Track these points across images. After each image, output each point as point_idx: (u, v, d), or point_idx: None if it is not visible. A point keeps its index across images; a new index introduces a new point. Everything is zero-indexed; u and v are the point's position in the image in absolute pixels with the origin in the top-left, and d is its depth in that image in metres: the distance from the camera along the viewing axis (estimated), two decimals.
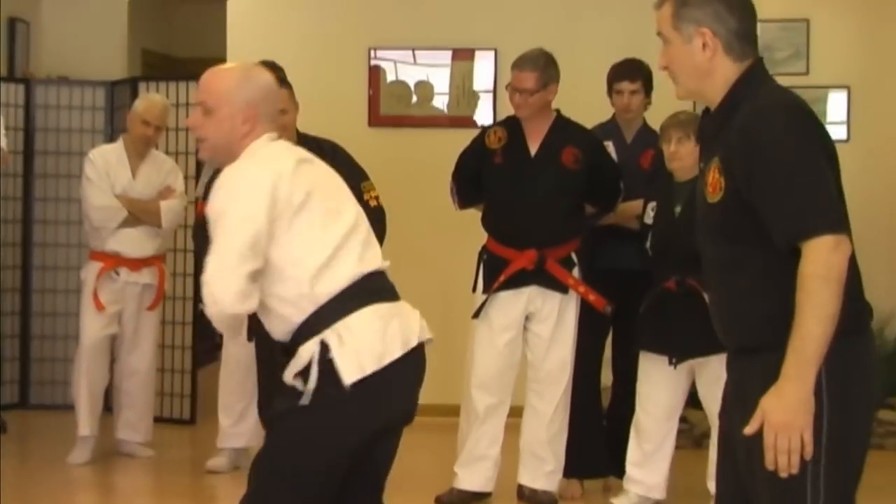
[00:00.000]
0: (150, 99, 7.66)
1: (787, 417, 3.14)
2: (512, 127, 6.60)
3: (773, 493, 3.31)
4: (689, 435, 7.55)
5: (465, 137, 6.98)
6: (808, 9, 8.36)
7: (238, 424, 7.26)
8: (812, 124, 3.30)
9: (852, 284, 3.22)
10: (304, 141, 6.43)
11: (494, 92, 8.68)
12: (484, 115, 8.71)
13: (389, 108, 8.84)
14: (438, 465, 6.77)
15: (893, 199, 8.17)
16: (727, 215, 3.32)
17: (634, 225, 6.76)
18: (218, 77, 3.95)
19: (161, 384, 8.41)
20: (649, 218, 6.34)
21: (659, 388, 6.21)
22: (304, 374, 3.76)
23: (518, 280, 6.44)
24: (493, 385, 6.53)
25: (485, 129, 6.84)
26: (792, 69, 8.09)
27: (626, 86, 6.92)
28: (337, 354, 3.76)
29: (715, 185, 3.31)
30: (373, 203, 6.48)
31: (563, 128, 6.57)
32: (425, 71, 8.86)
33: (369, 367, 3.77)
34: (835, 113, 8.24)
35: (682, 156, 6.02)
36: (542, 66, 6.46)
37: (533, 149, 6.53)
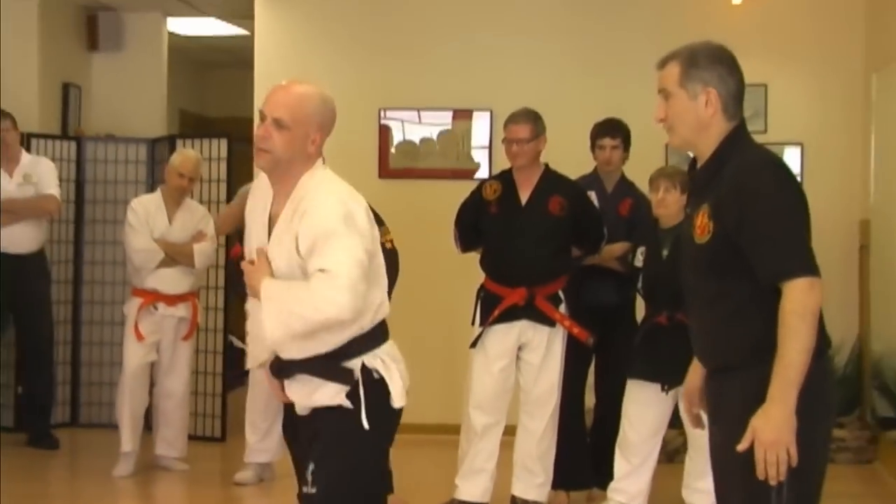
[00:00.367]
0: (185, 154, 7.68)
1: (774, 435, 3.22)
2: (505, 179, 6.61)
3: (742, 499, 3.37)
4: (664, 451, 7.49)
5: (464, 188, 6.98)
6: (766, 75, 8.38)
7: (263, 441, 7.25)
8: (793, 181, 3.44)
9: None
10: None
11: (490, 147, 8.68)
12: (481, 168, 8.72)
13: (397, 161, 8.85)
14: (441, 477, 6.74)
15: (841, 242, 8.18)
16: (714, 254, 3.39)
17: (615, 265, 6.77)
18: (299, 98, 3.80)
19: (195, 406, 8.39)
20: (639, 261, 6.33)
21: (647, 409, 6.18)
22: (351, 394, 3.71)
23: (511, 315, 6.43)
24: (490, 406, 6.51)
25: (482, 182, 6.84)
26: (752, 127, 7.87)
27: (607, 142, 6.94)
28: (387, 377, 3.75)
29: (703, 228, 3.39)
30: (388, 246, 6.48)
31: (550, 179, 6.57)
32: (429, 129, 8.87)
33: (404, 398, 3.81)
34: (790, 166, 8.25)
35: (667, 203, 6.03)
36: (533, 120, 6.49)
37: (524, 198, 6.52)
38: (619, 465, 6.35)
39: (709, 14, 8.30)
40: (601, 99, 8.13)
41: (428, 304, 7.58)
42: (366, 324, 3.72)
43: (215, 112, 12.18)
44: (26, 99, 9.00)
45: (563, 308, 6.47)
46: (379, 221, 6.50)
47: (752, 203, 3.31)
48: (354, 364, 3.72)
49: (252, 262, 3.78)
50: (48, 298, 8.59)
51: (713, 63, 3.47)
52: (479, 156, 8.79)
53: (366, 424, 3.68)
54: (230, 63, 11.47)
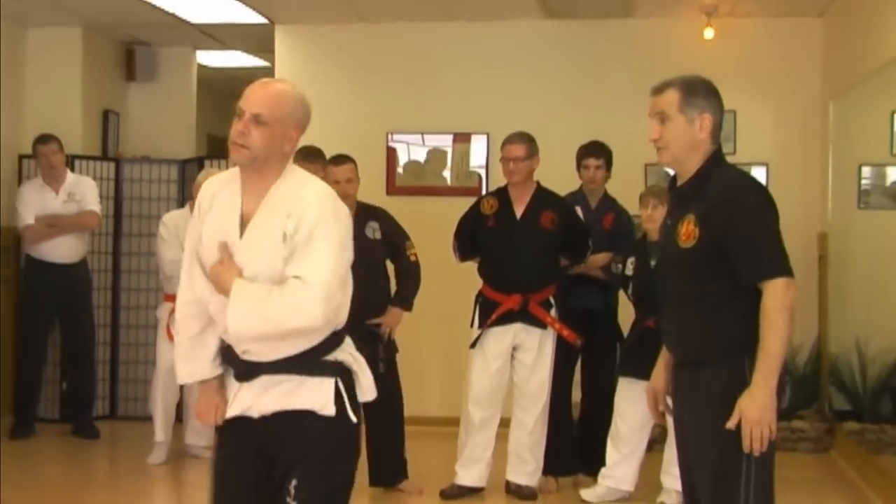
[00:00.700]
0: (210, 172, 7.65)
1: (759, 414, 3.35)
2: (501, 196, 6.60)
3: (714, 472, 3.49)
4: None
5: (463, 204, 6.97)
6: (735, 103, 8.35)
7: None
8: (769, 196, 3.57)
9: None
10: (361, 206, 6.47)
11: (487, 167, 8.69)
12: (478, 185, 8.71)
13: (403, 180, 8.85)
14: (442, 465, 6.72)
15: (802, 253, 8.15)
16: (698, 257, 3.48)
17: (598, 274, 6.77)
18: (279, 95, 3.41)
19: None
20: (630, 270, 6.35)
21: (636, 404, 6.16)
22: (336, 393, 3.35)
23: (506, 318, 6.42)
24: (487, 401, 6.50)
25: (480, 198, 6.84)
26: (724, 149, 8.05)
27: (591, 162, 6.95)
28: (358, 370, 3.43)
29: (689, 234, 3.49)
30: (412, 258, 6.51)
31: (542, 196, 6.57)
32: (432, 151, 8.87)
33: (374, 391, 3.50)
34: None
35: (655, 219, 6.02)
36: (528, 141, 6.49)
37: (518, 213, 6.52)
38: (611, 453, 6.37)
39: (682, 48, 8.30)
40: (585, 124, 8.12)
41: (431, 309, 7.56)
42: (339, 322, 3.39)
43: None
44: (71, 124, 9.01)
45: (553, 312, 6.47)
46: (405, 236, 6.56)
47: (739, 214, 3.45)
48: (327, 359, 3.39)
49: (220, 263, 3.32)
50: (90, 304, 8.58)
51: (709, 94, 3.60)
52: (477, 175, 8.78)
53: (353, 417, 3.35)
54: None
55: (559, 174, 7.07)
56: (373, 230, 6.46)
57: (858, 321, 7.54)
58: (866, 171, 7.64)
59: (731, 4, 8.07)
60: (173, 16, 8.63)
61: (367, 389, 3.44)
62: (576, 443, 6.84)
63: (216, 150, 11.07)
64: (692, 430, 3.57)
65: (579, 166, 6.99)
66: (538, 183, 6.59)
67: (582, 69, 8.69)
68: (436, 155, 8.88)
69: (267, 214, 3.30)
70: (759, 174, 8.34)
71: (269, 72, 9.57)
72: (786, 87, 8.53)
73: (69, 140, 8.60)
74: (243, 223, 3.34)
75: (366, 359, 6.11)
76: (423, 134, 8.89)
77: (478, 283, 6.60)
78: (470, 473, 6.52)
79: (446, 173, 8.85)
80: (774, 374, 3.37)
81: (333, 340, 3.37)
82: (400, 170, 8.86)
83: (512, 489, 6.54)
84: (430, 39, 8.86)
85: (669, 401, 3.83)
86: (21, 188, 8.41)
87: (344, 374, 3.37)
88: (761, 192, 3.58)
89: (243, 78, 13.13)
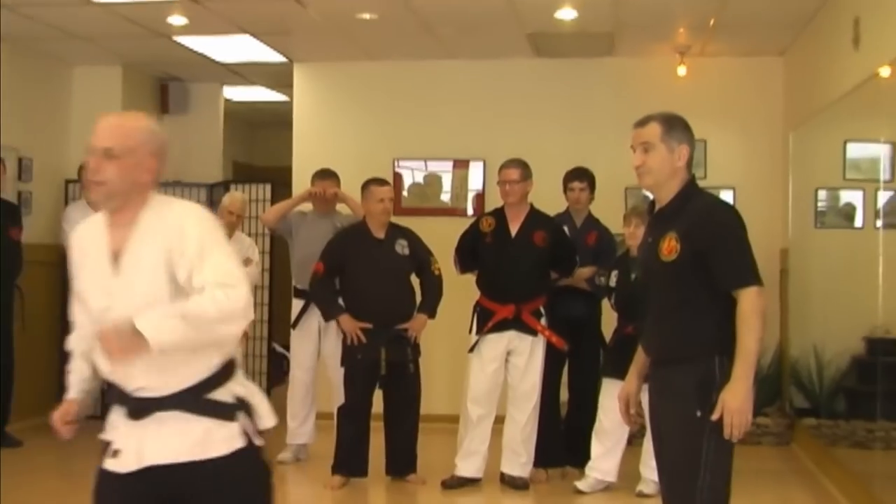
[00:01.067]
0: (233, 195, 7.66)
1: (738, 404, 3.42)
2: (498, 216, 6.59)
3: (679, 453, 3.54)
4: None
5: (462, 223, 6.99)
6: (706, 132, 8.36)
7: (301, 427, 7.22)
8: (740, 216, 3.68)
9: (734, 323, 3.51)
10: (392, 225, 6.58)
11: (483, 190, 8.68)
12: (475, 206, 8.70)
13: (408, 202, 8.84)
14: (444, 458, 6.70)
15: (766, 267, 8.09)
16: (679, 269, 3.54)
17: (584, 285, 6.76)
18: (126, 127, 2.94)
19: None
20: (613, 282, 6.34)
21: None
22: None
23: (501, 326, 6.41)
24: (483, 400, 6.48)
25: (479, 217, 6.84)
26: (695, 174, 8.09)
27: (577, 185, 6.94)
28: (253, 400, 2.98)
29: (671, 249, 3.55)
30: (436, 272, 6.55)
31: (535, 216, 6.56)
32: (434, 175, 8.87)
33: (273, 416, 3.05)
34: None
35: (637, 236, 6.01)
36: (522, 166, 6.50)
37: (513, 231, 6.50)
38: (595, 448, 6.35)
39: (658, 84, 8.31)
40: (572, 151, 8.12)
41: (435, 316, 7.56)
42: (230, 349, 2.96)
43: (261, 162, 12.17)
44: None
45: (543, 321, 6.46)
46: (429, 252, 6.59)
47: (717, 231, 3.54)
48: (224, 394, 2.92)
49: (106, 332, 2.77)
50: None
51: (685, 128, 3.70)
52: (474, 197, 8.78)
53: (258, 443, 2.96)
54: (274, 123, 11.47)
55: (548, 196, 7.07)
56: (402, 247, 6.51)
57: (816, 328, 7.53)
58: (822, 194, 7.64)
59: (702, 45, 8.08)
60: (203, 56, 8.65)
61: (265, 417, 3.00)
62: (563, 438, 6.82)
63: (241, 175, 11.10)
64: (666, 422, 3.61)
65: (566, 189, 6.99)
66: (531, 205, 6.59)
67: (569, 102, 8.70)
68: (437, 179, 8.88)
69: (139, 245, 2.88)
70: (727, 196, 8.35)
71: (288, 105, 9.59)
72: (751, 118, 8.54)
73: None
74: (116, 259, 2.90)
75: (396, 360, 6.00)
76: (425, 160, 8.90)
77: (476, 293, 6.59)
78: (468, 465, 6.49)
79: (447, 195, 8.85)
80: (751, 369, 3.44)
81: (229, 369, 2.95)
82: (405, 192, 8.86)
83: (506, 479, 6.51)
84: (433, 76, 8.87)
85: (644, 401, 3.89)
86: (67, 209, 8.40)
87: (246, 409, 2.94)
88: (734, 213, 3.68)
89: (266, 111, 13.18)
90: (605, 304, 6.66)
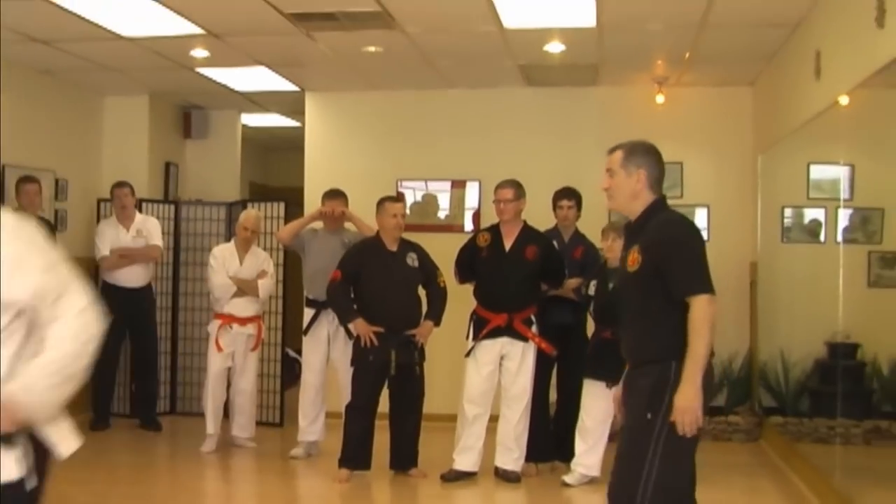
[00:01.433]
0: (248, 213, 7.67)
1: (687, 403, 3.44)
2: (494, 232, 6.61)
3: (629, 448, 3.59)
4: None
5: (460, 238, 6.99)
6: (682, 155, 8.43)
7: (312, 425, 7.22)
8: (697, 231, 3.71)
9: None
10: (403, 240, 6.59)
11: (479, 208, 8.70)
12: (472, 224, 8.71)
13: (410, 219, 8.77)
14: (443, 453, 6.71)
15: (737, 278, 8.18)
16: (640, 279, 3.57)
17: (571, 295, 6.77)
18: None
19: (260, 399, 8.34)
20: (592, 291, 6.35)
21: (598, 401, 6.19)
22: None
23: (495, 333, 6.43)
24: (479, 400, 6.49)
25: (476, 233, 6.85)
26: (672, 194, 7.95)
27: (565, 203, 6.96)
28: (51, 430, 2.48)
29: (634, 261, 3.59)
30: (441, 284, 6.56)
31: (527, 232, 6.57)
32: (434, 195, 8.88)
33: (75, 439, 2.57)
34: (700, 222, 8.25)
35: (614, 249, 6.05)
36: (516, 185, 6.52)
37: (507, 246, 6.52)
38: (579, 445, 6.35)
39: (639, 111, 8.34)
40: (560, 172, 8.14)
41: None
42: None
43: (276, 182, 12.20)
44: (139, 173, 9.04)
45: (534, 328, 6.47)
46: (435, 266, 6.60)
47: (672, 244, 3.56)
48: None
49: None
50: (154, 320, 8.59)
51: (646, 154, 3.71)
52: (471, 215, 8.79)
53: (34, 482, 2.40)
54: (287, 147, 11.49)
55: (538, 213, 7.09)
56: (412, 259, 6.54)
57: (782, 334, 7.54)
58: (788, 211, 7.65)
59: (679, 75, 8.11)
60: (223, 85, 8.67)
61: (62, 442, 2.51)
62: (552, 435, 6.82)
63: (257, 194, 11.12)
64: (627, 418, 3.66)
65: (555, 207, 7.00)
66: (525, 222, 6.60)
67: (557, 127, 8.72)
68: (437, 198, 8.89)
69: None
70: (701, 214, 8.39)
71: (300, 130, 9.61)
72: (723, 142, 8.56)
73: (137, 186, 8.62)
74: None
75: (404, 362, 5.99)
76: (426, 181, 8.90)
77: (472, 303, 6.60)
78: (465, 460, 6.50)
79: (445, 213, 8.85)
80: (699, 372, 3.45)
81: None
82: (407, 210, 8.85)
83: (500, 473, 6.52)
84: (433, 104, 8.89)
85: None
86: (98, 226, 8.44)
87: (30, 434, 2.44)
88: (691, 228, 3.70)
89: (280, 135, 13.24)
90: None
